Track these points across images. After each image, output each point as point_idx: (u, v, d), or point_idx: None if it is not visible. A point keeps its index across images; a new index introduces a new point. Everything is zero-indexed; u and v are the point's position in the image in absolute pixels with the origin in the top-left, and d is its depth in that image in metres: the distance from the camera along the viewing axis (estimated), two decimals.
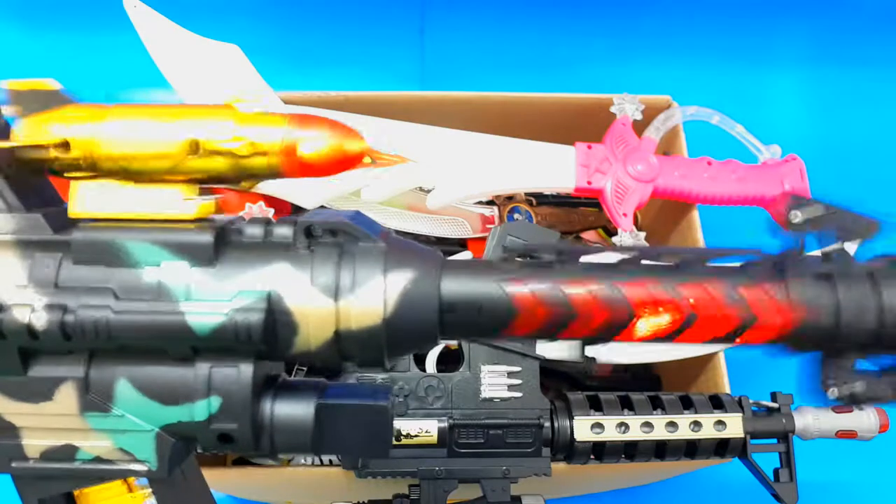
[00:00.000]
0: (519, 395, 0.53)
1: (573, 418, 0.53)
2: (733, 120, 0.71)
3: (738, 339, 0.28)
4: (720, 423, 0.54)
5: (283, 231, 0.28)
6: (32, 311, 0.26)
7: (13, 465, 0.29)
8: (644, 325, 0.27)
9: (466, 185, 0.65)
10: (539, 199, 0.80)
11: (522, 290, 0.27)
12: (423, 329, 0.28)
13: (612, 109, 0.71)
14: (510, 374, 0.53)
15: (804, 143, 0.78)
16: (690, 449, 0.54)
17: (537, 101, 0.76)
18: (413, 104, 0.72)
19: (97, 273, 0.27)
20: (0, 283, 0.27)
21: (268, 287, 0.27)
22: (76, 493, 0.32)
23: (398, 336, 0.28)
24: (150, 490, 0.31)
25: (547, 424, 0.53)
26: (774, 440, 0.55)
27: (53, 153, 0.27)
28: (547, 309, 0.27)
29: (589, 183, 0.68)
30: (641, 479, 0.76)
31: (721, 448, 0.54)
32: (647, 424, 0.53)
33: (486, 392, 0.52)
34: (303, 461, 0.71)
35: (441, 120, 0.68)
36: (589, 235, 0.81)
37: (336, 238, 0.28)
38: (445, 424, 0.52)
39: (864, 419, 0.55)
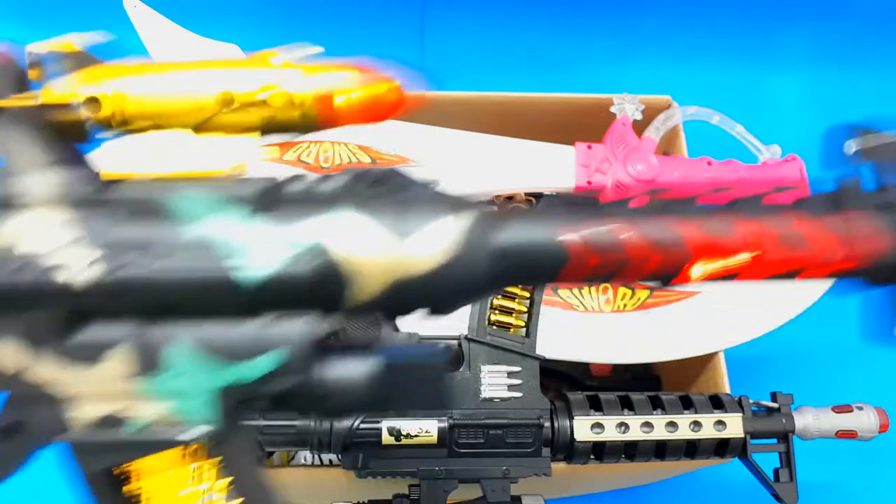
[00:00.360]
0: (519, 395, 0.53)
1: (573, 418, 0.53)
2: (733, 120, 0.71)
3: (798, 276, 0.27)
4: (720, 423, 0.54)
5: (332, 182, 0.28)
6: (78, 270, 0.26)
7: (62, 436, 0.28)
8: (700, 268, 0.26)
9: (466, 185, 0.65)
10: (539, 200, 0.79)
11: (573, 237, 0.27)
12: (477, 276, 0.27)
13: (612, 109, 0.71)
14: (510, 374, 0.53)
15: (804, 143, 0.78)
16: (690, 449, 0.54)
17: (537, 101, 0.76)
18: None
19: (141, 230, 0.26)
20: (44, 242, 0.26)
21: (317, 238, 0.26)
22: (128, 468, 0.30)
23: (454, 284, 0.27)
24: (207, 462, 0.30)
25: (547, 424, 0.52)
26: (774, 440, 0.55)
27: (84, 113, 0.27)
28: (599, 255, 0.27)
29: (589, 183, 0.68)
30: (641, 479, 0.76)
31: (721, 448, 0.54)
32: (647, 424, 0.53)
33: (486, 392, 0.52)
34: (303, 461, 0.71)
35: (441, 120, 0.68)
36: None
37: (387, 186, 0.27)
38: (445, 424, 0.52)
39: (864, 419, 0.55)
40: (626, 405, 0.55)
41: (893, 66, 1.06)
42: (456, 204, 0.27)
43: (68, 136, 0.28)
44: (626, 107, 0.71)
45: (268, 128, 0.28)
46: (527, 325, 0.54)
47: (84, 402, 0.27)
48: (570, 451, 0.53)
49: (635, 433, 0.53)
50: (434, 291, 0.27)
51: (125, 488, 0.29)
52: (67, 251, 0.26)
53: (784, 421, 0.55)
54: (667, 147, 0.76)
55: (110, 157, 0.28)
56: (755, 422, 0.54)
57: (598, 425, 0.53)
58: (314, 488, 0.67)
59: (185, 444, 0.28)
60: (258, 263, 0.26)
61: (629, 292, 0.64)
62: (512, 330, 0.54)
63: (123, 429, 0.28)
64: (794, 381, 0.84)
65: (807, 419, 0.55)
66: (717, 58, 1.05)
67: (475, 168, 0.66)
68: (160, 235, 0.26)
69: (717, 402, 0.55)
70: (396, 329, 0.53)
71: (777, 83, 1.05)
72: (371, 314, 0.29)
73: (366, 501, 0.55)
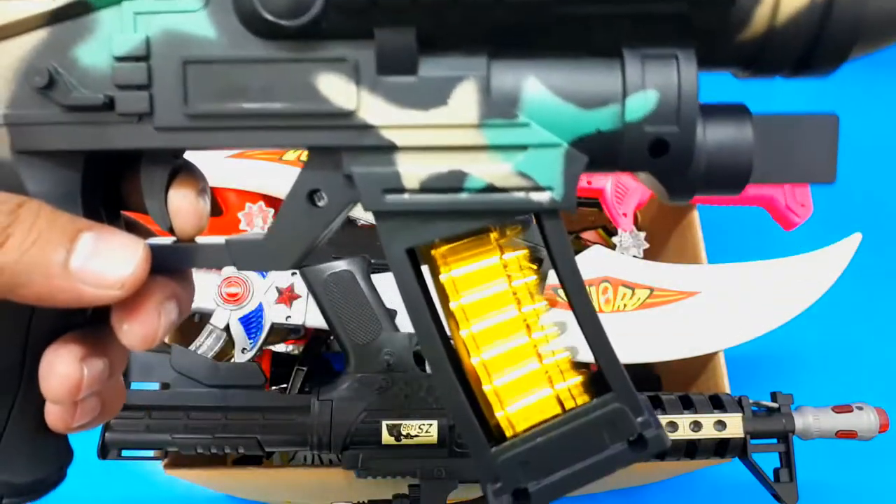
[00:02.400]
0: None
1: None
2: None
3: None
4: (720, 423, 0.54)
5: None
6: None
7: (387, 198, 0.24)
8: None
9: None
10: None
11: None
12: None
13: None
14: None
15: None
16: (690, 449, 0.54)
17: None
18: None
19: None
20: None
21: None
22: (436, 253, 0.26)
23: (875, 14, 0.22)
24: (520, 252, 0.26)
25: None
26: (774, 440, 0.55)
27: None
28: None
29: (589, 183, 0.68)
30: (641, 479, 0.76)
31: (721, 448, 0.54)
32: None
33: None
34: (303, 461, 0.71)
35: None
36: (589, 235, 0.81)
37: None
38: (446, 424, 0.52)
39: (864, 419, 0.55)
40: None
41: (892, 66, 1.06)
42: None
43: None
44: None
45: None
46: None
47: (417, 156, 0.24)
48: None
49: None
50: (853, 21, 0.22)
51: (435, 276, 0.26)
52: None
53: (784, 421, 0.55)
54: None
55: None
56: (755, 422, 0.54)
57: None
58: (314, 488, 0.67)
59: (522, 211, 0.24)
60: None
61: (629, 292, 0.64)
62: None
63: (457, 192, 0.24)
64: (794, 381, 0.84)
65: (807, 419, 0.55)
66: None
67: None
68: None
69: (717, 402, 0.55)
70: (397, 329, 0.53)
71: (777, 83, 1.05)
72: (766, 52, 0.23)
73: (366, 501, 0.55)
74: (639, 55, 0.23)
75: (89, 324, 0.27)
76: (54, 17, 0.24)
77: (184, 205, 0.27)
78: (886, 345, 0.86)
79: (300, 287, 0.63)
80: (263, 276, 0.63)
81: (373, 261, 0.56)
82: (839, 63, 0.24)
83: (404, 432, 0.51)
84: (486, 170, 0.24)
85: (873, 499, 0.79)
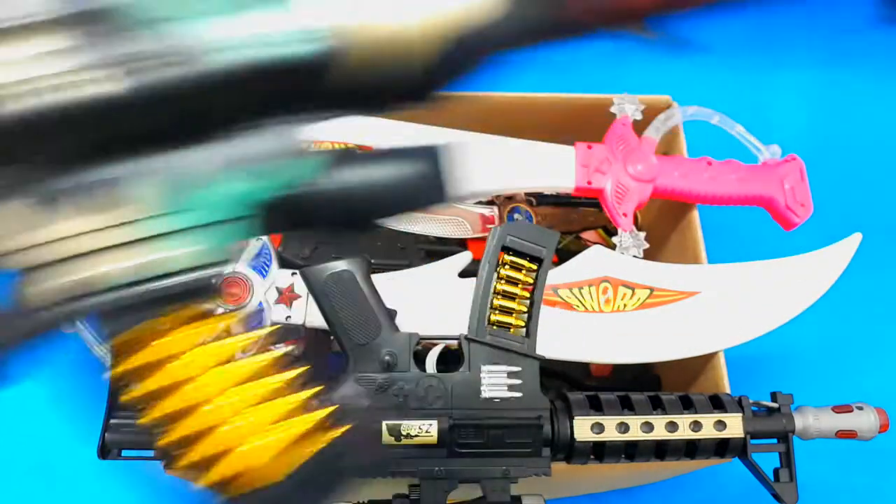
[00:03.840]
0: (519, 395, 0.53)
1: (573, 418, 0.53)
2: (733, 120, 0.71)
3: None
4: (720, 423, 0.54)
5: None
6: (105, 83, 0.24)
7: (86, 301, 0.26)
8: None
9: (466, 185, 0.65)
10: (539, 199, 0.79)
11: None
12: (532, 27, 0.27)
13: (612, 109, 0.71)
14: (510, 374, 0.53)
15: (804, 143, 0.78)
16: (690, 449, 0.54)
17: (537, 101, 0.76)
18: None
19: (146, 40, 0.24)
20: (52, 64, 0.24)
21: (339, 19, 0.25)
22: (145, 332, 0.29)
23: (512, 32, 0.27)
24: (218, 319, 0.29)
25: (547, 424, 0.53)
26: (774, 440, 0.55)
27: None
28: None
29: (589, 183, 0.68)
30: (641, 479, 0.76)
31: (721, 448, 0.54)
32: (648, 424, 0.53)
33: (486, 392, 0.52)
34: None
35: (441, 120, 0.68)
36: (589, 235, 0.81)
37: None
38: (445, 424, 0.52)
39: (864, 419, 0.55)
40: (627, 405, 0.54)
41: (893, 65, 1.06)
42: None
43: None
44: (626, 107, 0.71)
45: None
46: (527, 325, 0.54)
47: (109, 256, 0.26)
48: (570, 451, 0.53)
49: (635, 433, 0.53)
50: (494, 42, 0.26)
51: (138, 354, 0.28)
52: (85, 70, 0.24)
53: (784, 421, 0.55)
54: (667, 147, 0.76)
55: None
56: (755, 422, 0.54)
57: (599, 425, 0.53)
58: None
59: (215, 282, 0.27)
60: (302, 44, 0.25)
61: (629, 292, 0.64)
62: (512, 330, 0.54)
63: (153, 280, 0.26)
64: (794, 381, 0.84)
65: (807, 419, 0.55)
66: (717, 58, 1.05)
67: (475, 168, 0.66)
68: (172, 40, 0.24)
69: (717, 402, 0.55)
70: (396, 329, 0.53)
71: (777, 83, 1.05)
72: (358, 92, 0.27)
73: (366, 501, 0.55)
74: (277, 121, 0.27)
75: None
76: None
77: None
78: (886, 345, 0.87)
79: (300, 287, 0.63)
80: (263, 276, 0.63)
81: (373, 261, 0.56)
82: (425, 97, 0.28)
83: (404, 432, 0.51)
84: (175, 254, 0.26)
85: (873, 499, 0.79)
